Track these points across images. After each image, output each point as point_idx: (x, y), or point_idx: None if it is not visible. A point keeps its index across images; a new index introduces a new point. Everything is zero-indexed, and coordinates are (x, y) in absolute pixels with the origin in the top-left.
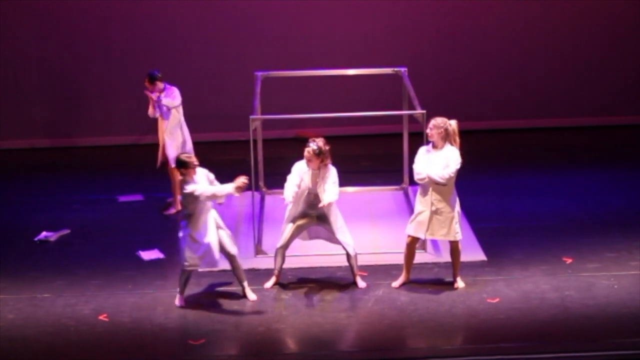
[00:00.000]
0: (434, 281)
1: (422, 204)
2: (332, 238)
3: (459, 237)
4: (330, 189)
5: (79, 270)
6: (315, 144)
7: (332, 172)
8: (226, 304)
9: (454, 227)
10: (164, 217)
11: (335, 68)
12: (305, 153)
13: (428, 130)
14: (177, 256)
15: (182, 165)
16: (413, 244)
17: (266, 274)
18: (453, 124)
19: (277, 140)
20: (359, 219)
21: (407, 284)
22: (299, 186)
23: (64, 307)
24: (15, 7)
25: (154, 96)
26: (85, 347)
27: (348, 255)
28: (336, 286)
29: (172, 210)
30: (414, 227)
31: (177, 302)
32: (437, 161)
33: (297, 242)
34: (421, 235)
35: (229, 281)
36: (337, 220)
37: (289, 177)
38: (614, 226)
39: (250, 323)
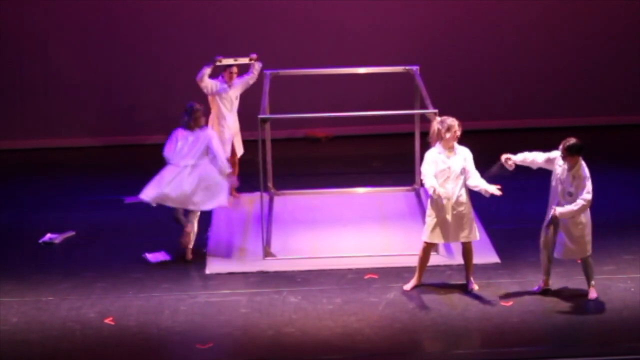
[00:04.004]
0: (447, 284)
1: (441, 209)
2: None
3: (478, 236)
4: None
5: (85, 272)
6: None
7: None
8: (234, 307)
9: (474, 226)
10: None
11: (345, 66)
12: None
13: (458, 133)
14: (184, 259)
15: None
16: (430, 248)
17: (275, 276)
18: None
19: (286, 140)
20: (370, 220)
21: (419, 287)
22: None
23: (69, 310)
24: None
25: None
26: (90, 351)
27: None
28: (347, 289)
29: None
30: (436, 234)
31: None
32: (455, 164)
33: (307, 244)
34: (444, 241)
35: (238, 284)
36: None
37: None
38: (630, 228)
39: (259, 327)
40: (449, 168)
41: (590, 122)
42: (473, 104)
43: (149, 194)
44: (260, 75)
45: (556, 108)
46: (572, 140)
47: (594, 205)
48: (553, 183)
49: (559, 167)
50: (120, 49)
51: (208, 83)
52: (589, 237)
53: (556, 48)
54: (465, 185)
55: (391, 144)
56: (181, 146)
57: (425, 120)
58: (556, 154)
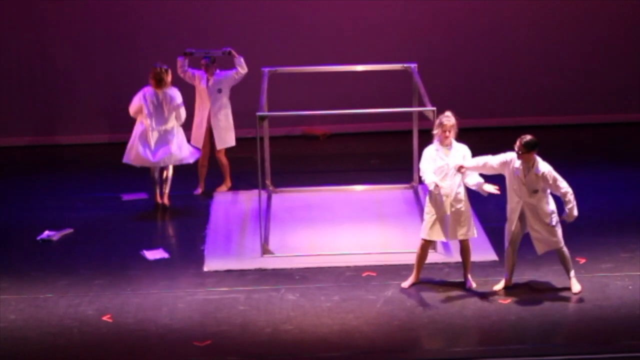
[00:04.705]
0: (444, 282)
1: (439, 207)
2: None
3: (476, 233)
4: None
5: (83, 270)
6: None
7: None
8: (232, 304)
9: (472, 223)
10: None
11: (344, 64)
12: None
13: (447, 134)
14: (182, 256)
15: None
16: (427, 246)
17: (273, 274)
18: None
19: (284, 138)
20: (368, 218)
21: (417, 285)
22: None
23: (67, 307)
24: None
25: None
26: (88, 348)
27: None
28: (345, 286)
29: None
30: (435, 231)
31: None
32: (453, 160)
33: (305, 242)
34: (443, 239)
35: (236, 281)
36: None
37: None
38: (628, 225)
39: (257, 324)
40: (447, 165)
41: (588, 120)
42: (471, 101)
43: (129, 157)
44: (259, 73)
45: (554, 106)
46: (527, 137)
47: (592, 203)
48: (515, 186)
49: (518, 169)
50: (120, 47)
51: (184, 73)
52: (559, 227)
53: (554, 45)
54: (463, 183)
55: (389, 142)
56: (153, 110)
57: (423, 118)
58: (511, 155)
